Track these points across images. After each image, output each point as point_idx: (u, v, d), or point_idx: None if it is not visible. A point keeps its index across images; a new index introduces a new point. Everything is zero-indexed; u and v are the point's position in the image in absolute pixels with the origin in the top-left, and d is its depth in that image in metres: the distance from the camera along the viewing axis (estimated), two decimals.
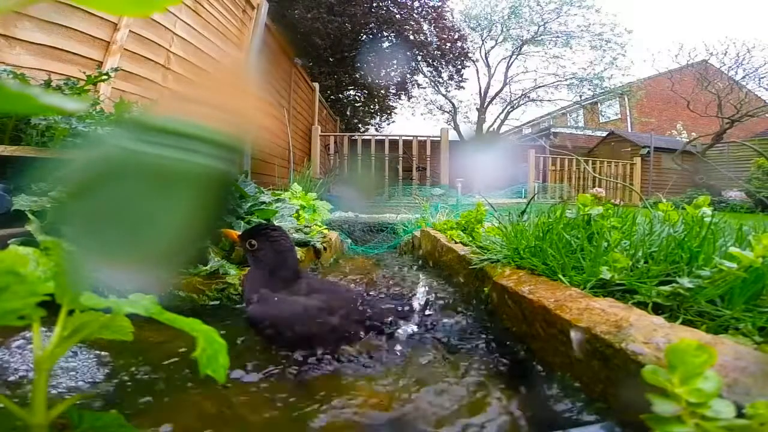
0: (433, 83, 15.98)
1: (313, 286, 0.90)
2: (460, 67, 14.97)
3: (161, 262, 0.35)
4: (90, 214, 0.33)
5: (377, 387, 0.70)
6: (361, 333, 0.87)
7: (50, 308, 0.44)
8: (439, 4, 13.65)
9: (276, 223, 1.57)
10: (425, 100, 17.15)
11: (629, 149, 10.74)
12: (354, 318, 0.89)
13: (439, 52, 14.13)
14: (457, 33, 14.34)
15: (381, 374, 0.75)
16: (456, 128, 16.88)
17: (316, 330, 0.82)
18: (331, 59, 11.99)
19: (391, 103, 15.63)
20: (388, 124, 16.03)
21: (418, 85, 15.92)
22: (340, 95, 13.44)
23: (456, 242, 1.74)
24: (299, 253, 1.67)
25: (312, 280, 0.94)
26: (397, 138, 6.88)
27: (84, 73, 1.87)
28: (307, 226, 2.17)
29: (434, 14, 13.62)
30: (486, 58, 16.80)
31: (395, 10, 12.74)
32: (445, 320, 1.07)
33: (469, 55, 15.28)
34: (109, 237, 0.34)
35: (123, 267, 0.36)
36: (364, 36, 12.51)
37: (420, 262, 2.24)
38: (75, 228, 0.35)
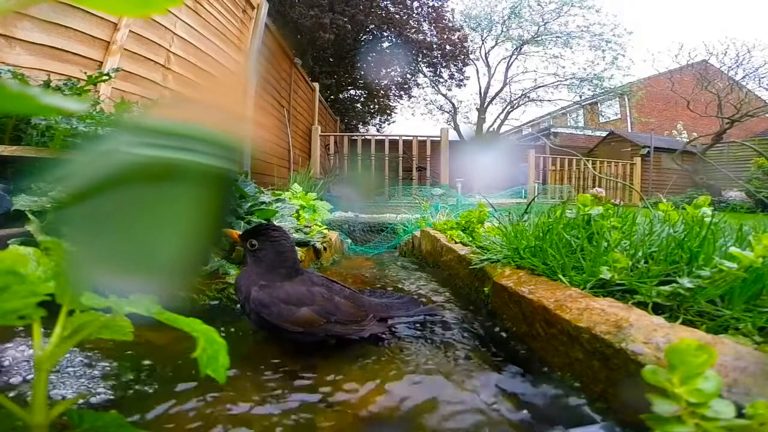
0: (433, 83, 16.00)
1: (314, 281, 0.90)
2: (461, 65, 14.98)
3: (171, 269, 0.34)
4: (95, 220, 0.33)
5: (378, 382, 0.70)
6: (364, 323, 0.88)
7: (50, 308, 0.44)
8: (439, 4, 13.67)
9: (276, 223, 1.57)
10: (425, 100, 17.21)
11: (629, 149, 10.74)
12: (356, 308, 0.89)
13: (440, 52, 14.15)
14: (457, 33, 14.35)
15: (381, 370, 0.75)
16: (456, 128, 16.91)
17: (322, 313, 0.83)
18: (331, 59, 12.00)
19: (391, 103, 15.66)
20: (388, 124, 16.07)
21: (418, 85, 15.96)
22: (340, 95, 13.45)
23: (456, 242, 1.74)
24: (299, 253, 1.67)
25: (313, 276, 0.93)
26: (397, 138, 6.88)
27: (84, 73, 1.87)
28: (307, 226, 2.17)
29: (434, 14, 13.63)
30: (486, 58, 16.84)
31: (395, 10, 12.74)
32: (445, 319, 1.07)
33: (470, 54, 15.29)
34: (115, 244, 0.34)
35: (132, 275, 0.36)
36: (364, 36, 12.52)
37: (420, 262, 2.24)
38: (81, 235, 0.35)
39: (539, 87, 16.76)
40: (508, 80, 16.87)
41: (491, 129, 17.15)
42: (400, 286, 1.55)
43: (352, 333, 0.85)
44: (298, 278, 0.89)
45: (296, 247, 1.72)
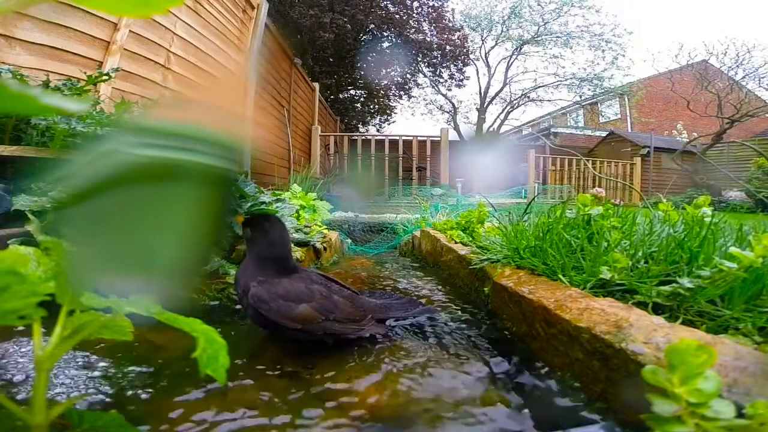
0: (433, 83, 16.00)
1: (312, 279, 0.90)
2: (461, 65, 14.98)
3: (172, 269, 0.34)
4: (95, 220, 0.33)
5: (377, 382, 0.70)
6: (363, 323, 0.87)
7: (50, 308, 0.44)
8: (440, 4, 13.66)
9: None
10: (425, 100, 17.20)
11: (629, 149, 10.74)
12: (355, 308, 0.89)
13: (440, 52, 14.14)
14: (457, 33, 14.34)
15: (381, 371, 0.75)
16: (456, 128, 16.90)
17: (321, 311, 0.82)
18: (331, 59, 11.99)
19: (391, 103, 15.64)
20: (388, 124, 16.06)
21: (418, 85, 15.95)
22: (340, 95, 13.45)
23: (456, 242, 1.74)
24: (299, 253, 1.66)
25: (312, 274, 0.93)
26: (397, 138, 6.88)
27: (84, 73, 1.87)
28: (307, 226, 2.17)
29: (434, 14, 13.63)
30: (486, 58, 16.84)
31: (395, 10, 12.74)
32: (445, 320, 1.07)
33: (470, 54, 15.28)
34: (115, 244, 0.34)
35: (132, 275, 0.36)
36: (364, 36, 12.52)
37: (420, 262, 2.24)
38: (81, 236, 0.34)
39: (539, 87, 16.75)
40: (508, 80, 16.87)
41: (491, 129, 17.15)
42: (399, 286, 1.55)
43: (350, 332, 0.85)
44: (296, 275, 0.89)
45: (296, 247, 1.72)
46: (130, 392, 0.65)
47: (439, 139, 6.86)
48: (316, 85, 8.00)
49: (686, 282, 0.69)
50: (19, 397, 0.61)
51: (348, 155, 7.28)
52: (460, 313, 1.14)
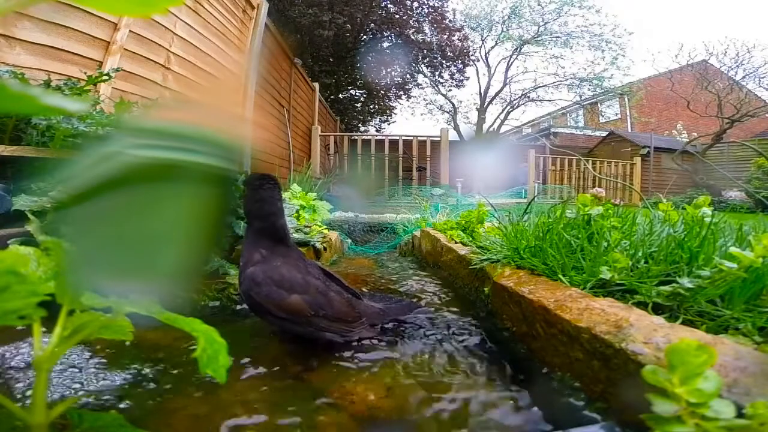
0: (433, 83, 16.00)
1: (310, 272, 0.88)
2: (461, 65, 14.98)
3: (172, 269, 0.34)
4: (95, 221, 0.33)
5: (376, 383, 0.70)
6: (354, 324, 0.87)
7: (50, 308, 0.44)
8: (440, 4, 13.66)
9: None
10: (425, 100, 17.21)
11: (629, 149, 10.74)
12: (350, 308, 0.88)
13: (440, 52, 14.14)
14: (457, 33, 14.35)
15: (379, 371, 0.75)
16: (456, 128, 16.91)
17: (312, 305, 0.81)
18: (331, 59, 11.99)
19: (391, 103, 15.64)
20: (388, 125, 16.05)
21: (418, 85, 15.95)
22: (340, 95, 13.45)
23: (456, 242, 1.74)
24: None
25: (312, 267, 0.91)
26: (397, 138, 6.88)
27: (84, 73, 1.87)
28: (307, 226, 2.17)
29: (434, 14, 13.62)
30: (486, 58, 16.85)
31: (395, 10, 12.74)
32: (445, 320, 1.07)
33: (470, 54, 15.28)
34: (115, 245, 0.34)
35: (133, 276, 0.36)
36: (364, 36, 12.52)
37: (420, 262, 2.24)
38: (81, 237, 0.34)
39: (539, 87, 16.75)
40: (508, 80, 16.87)
41: (491, 129, 17.15)
42: (399, 286, 1.55)
43: (338, 332, 0.83)
44: (295, 262, 0.86)
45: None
46: (130, 392, 0.65)
47: (439, 139, 6.86)
48: (316, 85, 8.00)
49: (686, 282, 0.69)
50: (18, 397, 0.61)
51: (348, 155, 7.28)
52: (459, 313, 1.14)
